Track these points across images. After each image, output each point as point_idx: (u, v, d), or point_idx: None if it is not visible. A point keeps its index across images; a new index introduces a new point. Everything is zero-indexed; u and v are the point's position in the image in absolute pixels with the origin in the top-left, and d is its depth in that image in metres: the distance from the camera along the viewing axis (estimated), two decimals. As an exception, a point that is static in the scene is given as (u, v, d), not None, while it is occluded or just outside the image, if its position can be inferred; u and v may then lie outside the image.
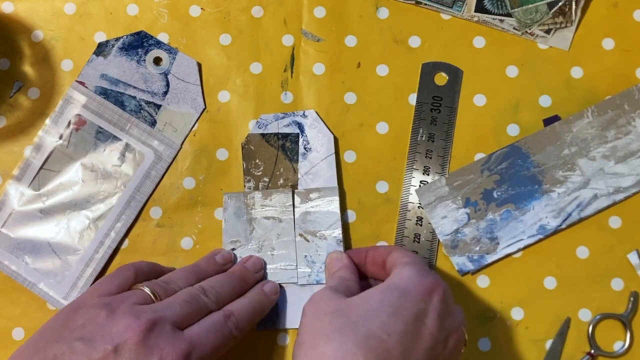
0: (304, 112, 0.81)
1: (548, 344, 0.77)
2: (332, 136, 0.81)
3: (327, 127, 0.81)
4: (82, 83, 0.82)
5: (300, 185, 0.80)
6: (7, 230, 0.80)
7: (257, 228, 0.80)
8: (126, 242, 0.80)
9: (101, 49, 0.82)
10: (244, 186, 0.81)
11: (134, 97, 0.82)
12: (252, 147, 0.81)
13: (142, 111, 0.81)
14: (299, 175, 0.80)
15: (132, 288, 0.71)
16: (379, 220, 0.80)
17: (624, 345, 0.77)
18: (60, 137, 0.81)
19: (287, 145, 0.81)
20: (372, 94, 0.82)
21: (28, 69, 0.83)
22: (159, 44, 0.83)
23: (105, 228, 0.80)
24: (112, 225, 0.80)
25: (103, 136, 0.81)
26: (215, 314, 0.71)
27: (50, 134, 0.81)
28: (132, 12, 0.84)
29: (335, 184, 0.80)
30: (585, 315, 0.77)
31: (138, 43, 0.83)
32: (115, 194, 0.80)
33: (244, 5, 0.83)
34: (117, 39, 0.83)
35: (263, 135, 0.81)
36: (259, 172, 0.80)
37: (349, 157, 0.81)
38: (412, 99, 0.81)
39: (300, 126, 0.81)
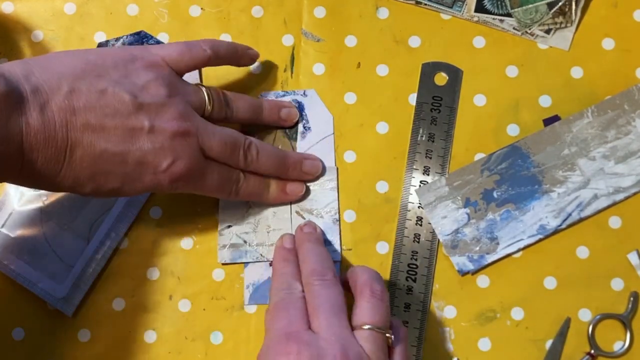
0: (304, 91, 0.81)
1: (548, 344, 0.77)
2: (331, 116, 0.81)
3: (326, 107, 0.81)
4: (82, 83, 0.82)
5: None
6: (7, 230, 0.80)
7: (253, 205, 0.80)
8: (126, 242, 0.80)
9: (101, 49, 0.83)
10: None
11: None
12: (251, 126, 0.81)
13: (142, 111, 0.81)
14: None
15: (198, 85, 0.76)
16: (379, 220, 0.80)
17: (623, 345, 0.77)
18: (60, 137, 0.81)
19: None
20: (372, 94, 0.82)
21: (28, 69, 0.83)
22: (159, 44, 0.82)
23: (105, 228, 0.80)
24: (112, 225, 0.80)
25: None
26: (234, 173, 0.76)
27: (50, 134, 0.81)
28: (132, 12, 0.84)
29: (334, 165, 0.81)
30: (585, 315, 0.77)
31: (138, 43, 0.83)
32: (115, 194, 0.80)
33: (244, 5, 0.83)
34: (117, 39, 0.83)
35: None
36: (257, 149, 0.81)
37: (349, 157, 0.81)
38: (412, 99, 0.81)
39: (300, 105, 0.82)
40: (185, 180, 0.71)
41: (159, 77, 0.71)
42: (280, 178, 0.79)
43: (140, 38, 0.83)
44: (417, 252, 0.78)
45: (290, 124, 0.81)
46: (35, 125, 0.63)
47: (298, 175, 0.79)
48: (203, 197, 0.79)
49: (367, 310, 0.68)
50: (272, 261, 0.78)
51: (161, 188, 0.70)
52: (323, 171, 0.80)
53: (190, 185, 0.72)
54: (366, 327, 0.67)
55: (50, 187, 0.67)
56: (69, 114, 0.65)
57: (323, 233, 0.79)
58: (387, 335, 0.68)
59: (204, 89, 0.75)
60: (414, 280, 0.78)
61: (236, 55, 0.79)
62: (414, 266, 0.78)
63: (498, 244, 0.78)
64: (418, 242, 0.79)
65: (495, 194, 0.78)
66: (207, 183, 0.73)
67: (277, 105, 0.80)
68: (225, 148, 0.73)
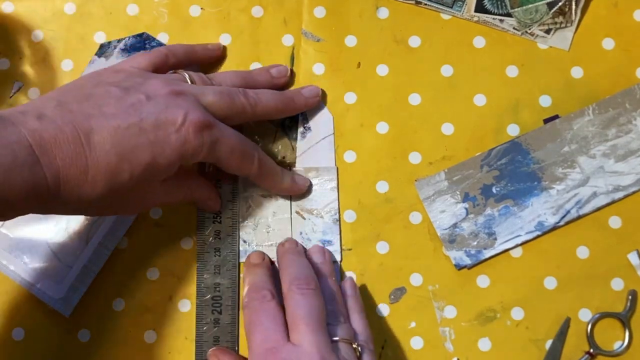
0: None
1: (548, 344, 0.77)
2: (331, 116, 0.82)
3: (327, 107, 0.82)
4: (82, 83, 0.82)
5: (299, 164, 0.81)
6: (6, 230, 0.80)
7: (253, 205, 0.80)
8: (126, 242, 0.80)
9: (103, 50, 0.83)
10: None
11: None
12: (252, 124, 0.81)
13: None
14: (297, 154, 0.81)
15: (174, 72, 0.76)
16: (379, 220, 0.80)
17: (622, 344, 0.76)
18: (60, 137, 0.81)
19: (287, 123, 0.81)
20: (372, 94, 0.82)
21: (28, 69, 0.83)
22: (160, 45, 0.83)
23: (105, 228, 0.80)
24: (111, 225, 0.80)
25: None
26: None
27: (50, 134, 0.81)
28: (132, 12, 0.84)
29: (334, 165, 0.81)
30: (585, 315, 0.77)
31: (140, 45, 0.83)
32: (115, 194, 0.80)
33: (244, 5, 0.84)
34: (119, 41, 0.83)
35: None
36: (257, 149, 0.81)
37: (349, 157, 0.81)
38: (412, 99, 0.81)
39: None
40: (209, 128, 0.69)
41: (131, 72, 0.72)
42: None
43: (142, 40, 0.83)
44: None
45: (284, 81, 0.81)
46: (38, 128, 0.62)
47: (304, 103, 0.80)
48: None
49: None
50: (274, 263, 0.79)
51: (191, 146, 0.68)
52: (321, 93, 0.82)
53: (215, 134, 0.70)
54: (336, 339, 0.69)
55: (87, 188, 0.65)
56: (67, 112, 0.64)
57: (322, 233, 0.80)
58: (355, 346, 0.69)
59: (180, 71, 0.75)
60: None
61: (195, 54, 0.80)
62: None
63: (496, 239, 0.78)
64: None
65: (494, 190, 0.78)
66: (229, 142, 0.71)
67: (267, 67, 0.81)
68: (223, 97, 0.73)
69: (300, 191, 0.80)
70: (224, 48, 0.82)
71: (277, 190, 0.79)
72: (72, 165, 0.63)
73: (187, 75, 0.74)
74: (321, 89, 0.81)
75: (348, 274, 0.79)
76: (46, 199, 0.64)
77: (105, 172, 0.65)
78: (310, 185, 0.80)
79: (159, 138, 0.67)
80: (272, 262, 0.78)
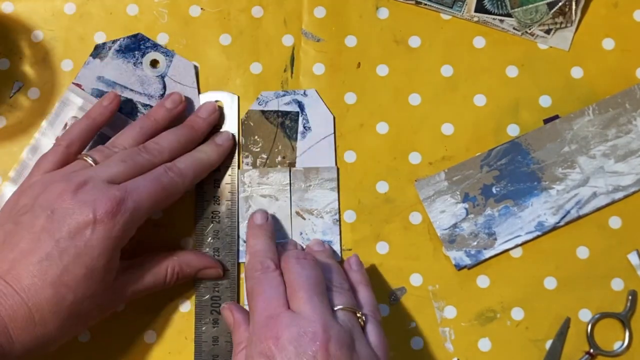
0: (304, 91, 0.82)
1: (548, 344, 0.77)
2: (331, 116, 0.82)
3: (327, 107, 0.82)
4: (78, 85, 0.82)
5: (299, 164, 0.81)
6: (7, 230, 0.80)
7: (254, 206, 0.80)
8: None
9: (98, 52, 0.82)
10: (242, 162, 0.81)
11: (131, 100, 0.82)
12: (252, 124, 0.81)
13: (138, 113, 0.81)
14: (297, 154, 0.81)
15: (77, 158, 0.74)
16: (379, 220, 0.80)
17: (622, 344, 0.76)
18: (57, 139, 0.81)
19: (287, 123, 0.81)
20: (372, 94, 0.82)
21: (28, 69, 0.83)
22: (155, 46, 0.83)
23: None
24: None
25: (100, 138, 0.80)
26: (156, 168, 0.73)
27: (46, 136, 0.81)
28: (132, 12, 0.84)
29: (334, 164, 0.81)
30: (585, 315, 0.77)
31: (135, 46, 0.83)
32: (114, 195, 0.80)
33: (244, 5, 0.84)
34: (113, 42, 0.83)
35: (263, 112, 0.82)
36: (257, 148, 0.81)
37: (349, 157, 0.81)
38: (412, 99, 0.81)
39: (300, 105, 0.82)
40: (121, 205, 0.68)
41: (36, 183, 0.71)
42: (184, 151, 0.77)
43: (137, 41, 0.83)
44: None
45: (181, 108, 0.79)
46: None
47: (204, 124, 0.79)
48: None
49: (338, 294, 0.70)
50: None
51: (114, 233, 0.68)
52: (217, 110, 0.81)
53: (129, 203, 0.69)
54: (338, 307, 0.68)
55: (40, 329, 0.66)
56: None
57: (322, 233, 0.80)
58: (359, 314, 0.69)
59: (83, 156, 0.73)
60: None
61: (94, 123, 0.77)
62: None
63: (496, 239, 0.78)
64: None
65: (494, 190, 0.78)
66: (145, 194, 0.71)
67: (161, 102, 0.79)
68: (126, 164, 0.72)
69: (227, 147, 0.79)
70: (117, 96, 0.79)
71: (216, 165, 0.79)
72: (17, 317, 0.65)
73: (89, 159, 0.72)
74: (219, 105, 0.81)
75: (349, 273, 0.79)
76: (5, 355, 0.64)
77: (49, 307, 0.66)
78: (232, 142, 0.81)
79: (81, 247, 0.67)
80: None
